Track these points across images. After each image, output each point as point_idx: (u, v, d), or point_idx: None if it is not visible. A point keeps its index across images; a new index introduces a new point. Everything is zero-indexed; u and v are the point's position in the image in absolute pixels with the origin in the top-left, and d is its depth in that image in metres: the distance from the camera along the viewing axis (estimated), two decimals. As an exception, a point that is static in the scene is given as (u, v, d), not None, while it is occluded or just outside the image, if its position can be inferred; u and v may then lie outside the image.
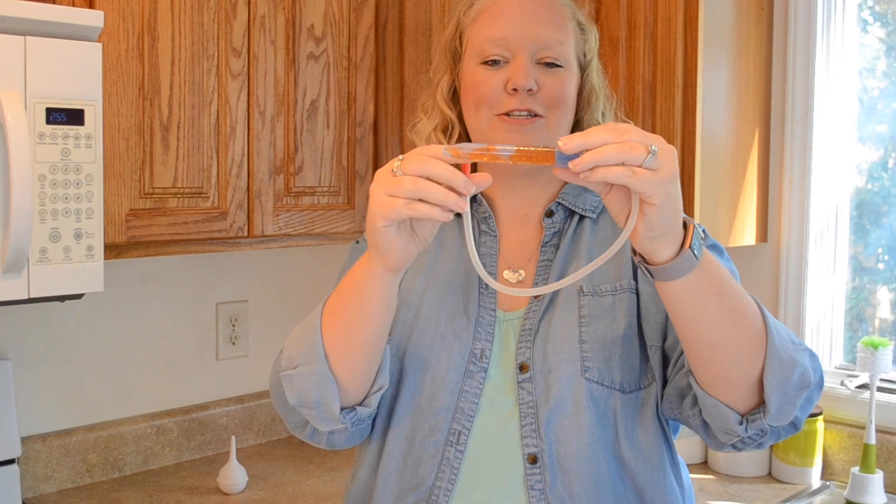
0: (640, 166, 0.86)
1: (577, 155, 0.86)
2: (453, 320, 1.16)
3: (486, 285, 1.18)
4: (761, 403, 1.03)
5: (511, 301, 1.18)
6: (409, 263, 1.02)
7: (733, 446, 1.09)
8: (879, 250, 2.14)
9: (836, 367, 2.13)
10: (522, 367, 1.13)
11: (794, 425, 1.07)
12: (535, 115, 1.15)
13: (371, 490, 1.18)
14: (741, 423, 1.04)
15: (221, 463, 2.08)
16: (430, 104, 1.27)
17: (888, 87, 2.12)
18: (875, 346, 1.92)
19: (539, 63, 1.16)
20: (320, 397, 1.09)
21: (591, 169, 0.86)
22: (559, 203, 1.20)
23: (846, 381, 2.05)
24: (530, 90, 1.14)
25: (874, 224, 2.14)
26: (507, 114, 1.15)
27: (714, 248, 1.18)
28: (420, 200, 0.92)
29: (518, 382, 1.12)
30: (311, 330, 1.10)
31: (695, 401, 1.08)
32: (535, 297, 1.16)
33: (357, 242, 1.36)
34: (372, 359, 1.10)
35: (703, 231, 1.18)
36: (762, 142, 2.10)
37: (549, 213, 1.20)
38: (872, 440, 1.91)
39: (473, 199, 1.24)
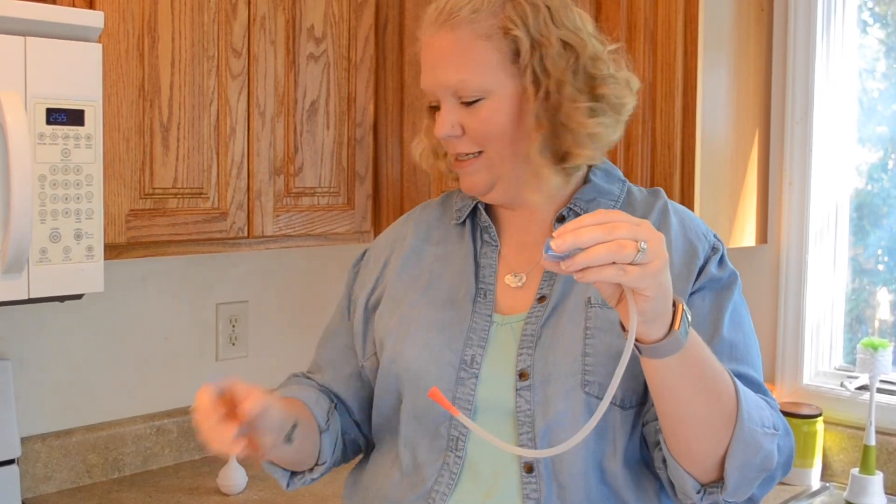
0: (630, 263, 0.86)
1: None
2: (444, 330, 1.16)
3: (485, 293, 1.18)
4: (721, 478, 1.05)
5: (510, 304, 1.17)
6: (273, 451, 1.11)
7: None
8: (879, 251, 2.14)
9: (835, 369, 2.13)
10: (522, 375, 1.11)
11: (751, 500, 1.10)
12: (479, 153, 1.14)
13: (374, 489, 1.20)
14: (698, 492, 1.06)
15: (221, 463, 2.08)
16: (420, 126, 1.27)
17: (888, 88, 2.12)
18: (875, 348, 1.92)
19: (462, 102, 1.13)
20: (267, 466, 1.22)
21: (582, 269, 0.87)
22: (570, 209, 1.19)
23: (846, 383, 2.05)
24: (456, 136, 1.14)
25: (874, 225, 2.14)
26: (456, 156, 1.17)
27: (732, 276, 1.15)
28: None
29: (517, 390, 1.11)
30: None
31: (664, 458, 1.09)
32: (539, 301, 1.15)
33: (354, 265, 1.35)
34: (298, 464, 1.22)
35: (720, 258, 1.15)
36: (762, 143, 2.10)
37: (561, 219, 1.19)
38: (872, 441, 1.91)
39: (475, 208, 1.25)
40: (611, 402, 1.07)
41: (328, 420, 1.22)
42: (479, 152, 1.15)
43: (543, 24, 1.12)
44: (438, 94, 1.15)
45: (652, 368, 0.98)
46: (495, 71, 1.12)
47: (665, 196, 1.22)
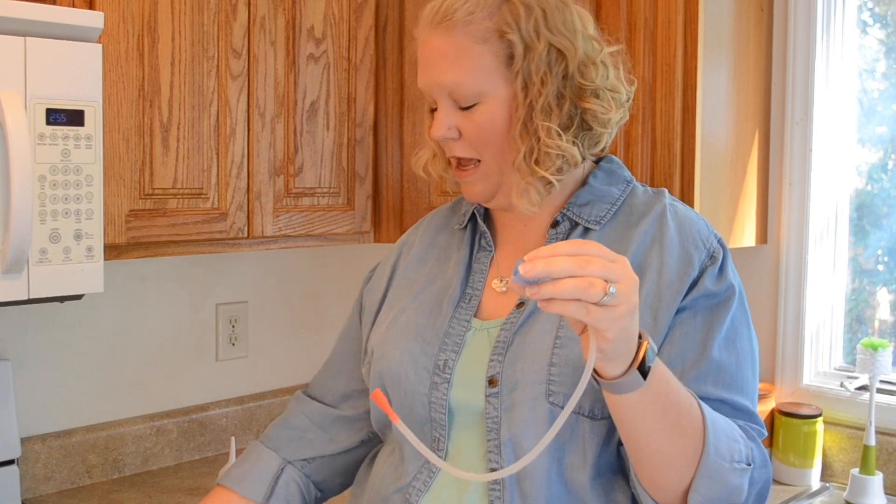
0: (595, 304, 0.84)
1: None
2: (423, 334, 1.17)
3: (469, 298, 1.18)
4: None
5: (493, 309, 1.17)
6: None
7: None
8: (879, 252, 2.14)
9: (835, 369, 2.13)
10: (491, 381, 1.10)
11: None
12: (477, 161, 1.14)
13: (372, 479, 1.23)
14: None
15: (221, 464, 2.08)
16: (421, 133, 1.27)
17: (888, 88, 2.12)
18: (875, 348, 1.91)
19: (459, 106, 1.12)
20: None
21: (547, 299, 0.85)
22: (564, 214, 1.18)
23: (846, 383, 2.04)
24: (453, 138, 1.13)
25: (874, 226, 2.14)
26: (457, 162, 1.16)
27: (730, 290, 1.11)
28: None
29: (486, 396, 1.10)
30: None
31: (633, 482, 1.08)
32: (518, 307, 1.14)
33: (366, 277, 1.37)
34: None
35: (719, 268, 1.11)
36: (762, 143, 2.10)
37: (555, 224, 1.18)
38: (872, 442, 1.91)
39: (473, 215, 1.25)
40: (578, 413, 1.06)
41: (272, 489, 1.32)
42: (478, 161, 1.14)
43: (534, 28, 1.09)
44: (435, 96, 1.14)
45: (611, 401, 0.96)
46: (490, 74, 1.10)
47: (667, 198, 1.18)
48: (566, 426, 1.05)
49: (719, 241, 1.15)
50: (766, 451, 1.09)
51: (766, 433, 1.10)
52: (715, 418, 1.02)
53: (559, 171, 1.12)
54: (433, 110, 1.17)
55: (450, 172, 1.21)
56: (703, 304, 1.10)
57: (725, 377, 1.08)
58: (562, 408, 1.06)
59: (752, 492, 1.06)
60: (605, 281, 0.84)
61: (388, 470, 1.20)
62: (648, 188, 1.22)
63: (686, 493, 1.01)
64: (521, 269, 0.84)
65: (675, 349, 1.08)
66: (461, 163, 1.16)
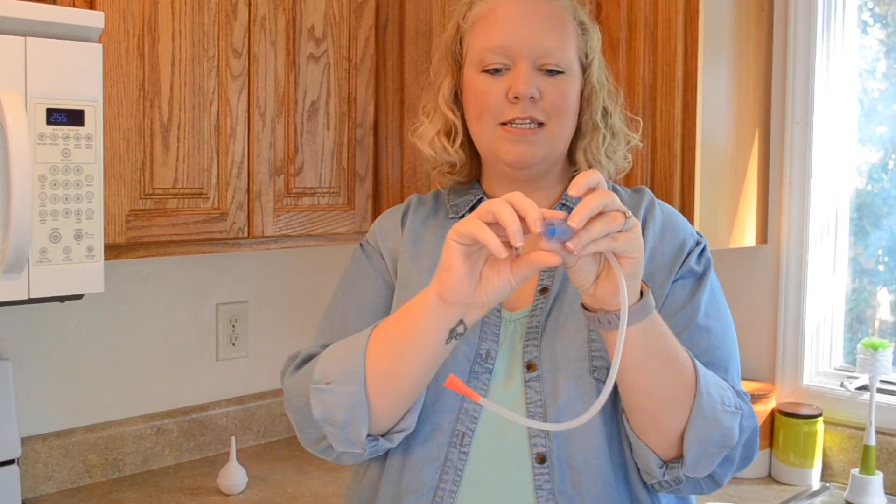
0: (619, 231, 0.92)
1: (559, 229, 0.91)
2: None
3: None
4: (682, 455, 1.07)
5: (515, 300, 1.17)
6: (461, 301, 0.98)
7: (652, 486, 1.12)
8: (879, 252, 2.14)
9: (836, 369, 2.13)
10: (530, 366, 1.12)
11: (715, 482, 1.11)
12: (538, 124, 1.16)
13: (374, 491, 1.18)
14: (660, 468, 1.08)
15: (221, 463, 2.08)
16: (431, 107, 1.26)
17: (888, 88, 2.12)
18: (875, 348, 1.92)
19: (540, 69, 1.16)
20: (349, 419, 1.08)
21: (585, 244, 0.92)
22: (563, 204, 1.22)
23: (846, 383, 2.05)
24: (532, 98, 1.15)
25: (874, 226, 2.14)
26: (511, 122, 1.16)
27: (708, 263, 1.20)
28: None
29: (526, 381, 1.12)
30: (356, 350, 1.08)
31: (630, 441, 1.11)
32: (542, 292, 1.16)
33: (360, 246, 1.34)
34: (409, 394, 1.08)
35: (701, 251, 1.21)
36: (762, 143, 2.10)
37: None
38: (872, 441, 1.91)
39: (476, 203, 1.25)
40: (603, 381, 1.10)
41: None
42: (541, 124, 1.16)
43: (597, 43, 1.23)
44: (521, 55, 1.15)
45: (626, 341, 0.97)
46: (576, 53, 1.20)
47: (651, 193, 1.26)
48: (608, 402, 1.06)
49: (698, 233, 1.24)
50: (751, 405, 1.14)
51: (747, 396, 1.15)
52: (703, 366, 1.08)
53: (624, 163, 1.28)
54: (488, 71, 1.17)
55: (455, 152, 1.23)
56: (689, 278, 1.18)
57: (713, 341, 1.15)
58: (605, 382, 1.05)
59: (742, 438, 1.10)
60: (620, 210, 0.92)
61: (394, 481, 1.15)
62: (626, 188, 1.30)
63: (682, 438, 1.06)
64: (570, 221, 0.90)
65: (665, 318, 1.12)
66: (519, 121, 1.16)
